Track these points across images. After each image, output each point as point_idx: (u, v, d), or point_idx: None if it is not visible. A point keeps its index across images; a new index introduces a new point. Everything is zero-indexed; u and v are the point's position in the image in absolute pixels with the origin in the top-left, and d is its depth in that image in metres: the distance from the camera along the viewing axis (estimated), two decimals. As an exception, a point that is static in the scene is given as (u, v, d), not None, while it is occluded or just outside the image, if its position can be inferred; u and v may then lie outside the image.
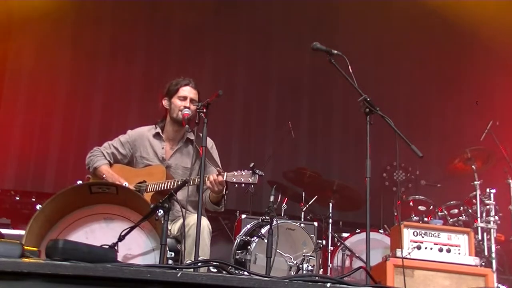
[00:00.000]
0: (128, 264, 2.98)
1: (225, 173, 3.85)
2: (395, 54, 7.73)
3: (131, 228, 3.23)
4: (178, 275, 2.31)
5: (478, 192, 5.35)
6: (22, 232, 3.17)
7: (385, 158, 6.51)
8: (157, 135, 4.36)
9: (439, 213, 5.64)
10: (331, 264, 5.63)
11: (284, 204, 5.58)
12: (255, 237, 4.76)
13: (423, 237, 4.41)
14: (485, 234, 5.25)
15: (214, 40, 7.69)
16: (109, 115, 7.20)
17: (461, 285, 4.21)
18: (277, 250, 4.20)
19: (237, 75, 7.72)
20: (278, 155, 7.11)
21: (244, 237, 4.92)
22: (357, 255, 5.54)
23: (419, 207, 5.76)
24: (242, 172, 3.80)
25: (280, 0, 7.77)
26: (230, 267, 2.97)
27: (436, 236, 4.42)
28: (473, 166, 5.53)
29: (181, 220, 3.69)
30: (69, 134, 7.10)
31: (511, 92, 7.18)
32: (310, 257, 4.49)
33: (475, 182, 5.41)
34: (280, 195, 5.65)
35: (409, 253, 4.31)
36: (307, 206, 5.82)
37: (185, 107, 4.17)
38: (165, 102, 4.33)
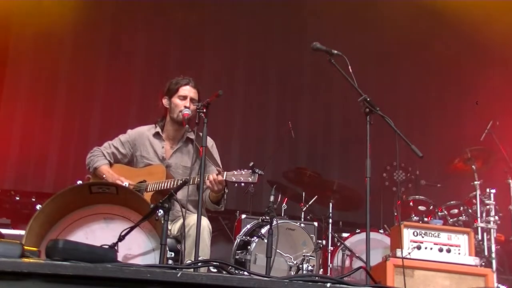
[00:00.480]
0: (128, 264, 2.98)
1: (225, 172, 3.85)
2: (395, 54, 7.73)
3: (131, 228, 3.23)
4: (178, 275, 2.31)
5: (478, 192, 5.35)
6: (22, 232, 3.17)
7: (385, 158, 6.50)
8: (157, 135, 4.36)
9: (439, 213, 5.63)
10: (331, 264, 5.63)
11: (284, 204, 5.58)
12: (255, 237, 4.76)
13: (423, 237, 4.41)
14: (485, 234, 5.25)
15: (214, 40, 7.69)
16: (109, 115, 7.20)
17: (461, 285, 4.22)
18: (277, 250, 4.20)
19: (237, 75, 7.72)
20: (278, 155, 7.11)
21: (244, 237, 4.92)
22: (357, 255, 5.54)
23: (419, 207, 5.76)
24: (242, 171, 3.80)
25: (280, 0, 7.77)
26: (230, 267, 2.97)
27: (436, 236, 4.42)
28: (473, 166, 5.53)
29: (181, 220, 3.69)
30: (69, 134, 7.10)
31: (511, 92, 7.18)
32: (310, 257, 4.49)
33: (475, 182, 5.40)
34: (280, 195, 5.65)
35: (409, 253, 4.31)
36: (307, 206, 5.82)
37: (185, 106, 4.17)
38: (165, 101, 4.33)
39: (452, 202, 5.71)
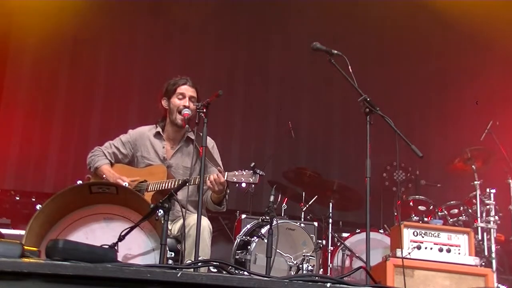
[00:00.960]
0: (128, 264, 2.98)
1: (226, 172, 3.85)
2: (395, 54, 7.73)
3: (131, 228, 3.22)
4: (178, 275, 2.31)
5: (478, 192, 5.35)
6: (22, 232, 3.16)
7: (385, 158, 6.50)
8: (157, 135, 4.36)
9: (439, 213, 5.63)
10: (331, 264, 5.63)
11: (284, 204, 5.58)
12: (255, 237, 4.76)
13: (423, 237, 4.42)
14: (485, 234, 5.25)
15: (214, 39, 7.69)
16: (109, 115, 7.20)
17: (461, 285, 4.22)
18: (277, 250, 4.20)
19: (237, 75, 7.72)
20: (278, 155, 7.11)
21: (244, 237, 4.92)
22: (357, 255, 5.54)
23: (419, 207, 5.76)
24: (243, 171, 3.80)
25: (280, 0, 7.77)
26: (230, 267, 2.97)
27: (436, 236, 4.42)
28: (473, 166, 5.53)
29: (181, 220, 3.68)
30: (69, 134, 7.10)
31: (511, 92, 7.18)
32: (310, 257, 4.49)
33: (475, 182, 5.41)
34: (280, 195, 5.65)
35: (409, 253, 4.31)
36: (307, 206, 5.82)
37: (184, 106, 4.17)
38: (164, 102, 4.33)
39: (452, 202, 5.71)
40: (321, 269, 5.43)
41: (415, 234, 4.42)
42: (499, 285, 4.57)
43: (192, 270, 3.02)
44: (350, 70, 3.52)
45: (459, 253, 4.40)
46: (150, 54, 7.50)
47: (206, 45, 7.69)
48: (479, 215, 5.29)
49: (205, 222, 3.83)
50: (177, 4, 7.45)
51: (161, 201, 3.23)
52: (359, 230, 5.90)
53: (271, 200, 4.06)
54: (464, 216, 5.59)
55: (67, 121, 7.12)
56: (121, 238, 3.17)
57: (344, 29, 7.59)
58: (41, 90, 7.08)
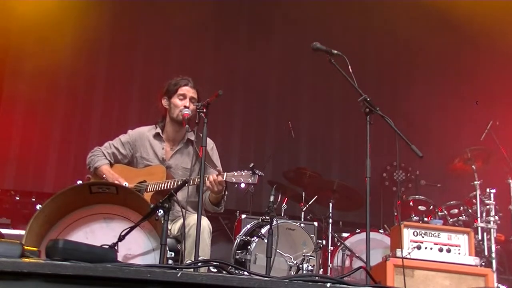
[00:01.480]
0: (128, 264, 2.98)
1: (225, 173, 3.84)
2: (395, 54, 7.73)
3: (131, 228, 3.22)
4: (178, 275, 2.31)
5: (478, 192, 5.35)
6: (22, 232, 3.16)
7: (385, 158, 6.51)
8: (157, 136, 4.36)
9: (439, 213, 5.63)
10: (331, 264, 5.63)
11: (284, 204, 5.58)
12: (255, 237, 4.76)
13: (423, 237, 4.42)
14: (485, 234, 5.25)
15: (214, 39, 7.69)
16: (109, 115, 7.20)
17: (461, 285, 4.22)
18: (277, 250, 4.20)
19: (237, 74, 7.72)
20: (278, 155, 7.11)
21: (244, 237, 4.92)
22: (357, 255, 5.54)
23: (419, 207, 5.76)
24: (242, 172, 3.80)
25: (280, 0, 7.77)
26: (230, 267, 2.97)
27: (436, 236, 4.42)
28: (473, 166, 5.53)
29: (181, 220, 3.68)
30: (69, 134, 7.10)
31: (511, 92, 7.18)
32: (310, 257, 4.49)
33: (475, 182, 5.41)
34: (280, 195, 5.65)
35: (409, 253, 4.31)
36: (307, 206, 5.82)
37: (185, 106, 4.17)
38: (164, 102, 4.33)
39: (452, 202, 5.71)
40: (321, 269, 5.43)
41: (415, 234, 4.42)
42: (499, 285, 4.57)
43: (192, 270, 3.02)
44: (350, 70, 3.52)
45: (459, 253, 4.40)
46: (150, 54, 7.50)
47: (206, 45, 7.69)
48: (479, 215, 5.29)
49: (205, 222, 3.83)
50: (177, 4, 7.45)
51: (161, 201, 3.23)
52: (359, 230, 5.90)
53: (271, 200, 4.06)
54: (464, 216, 5.58)
55: (67, 121, 7.12)
56: (121, 238, 3.17)
57: (344, 29, 7.59)
58: (41, 90, 7.07)
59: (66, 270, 2.23)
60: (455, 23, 7.37)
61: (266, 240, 4.09)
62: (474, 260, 4.38)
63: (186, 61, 7.37)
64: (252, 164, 3.73)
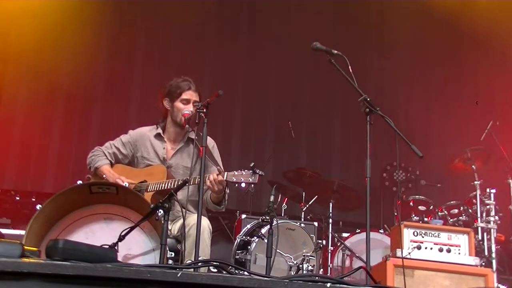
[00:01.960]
0: (128, 264, 2.98)
1: (225, 172, 3.85)
2: (395, 54, 7.73)
3: (131, 228, 3.22)
4: (178, 275, 2.31)
5: (478, 192, 5.35)
6: (22, 232, 3.16)
7: (385, 158, 6.51)
8: (158, 136, 4.37)
9: (439, 213, 5.63)
10: (331, 264, 5.63)
11: (284, 204, 5.58)
12: (255, 237, 4.75)
13: (423, 237, 4.42)
14: (485, 234, 5.25)
15: (214, 40, 7.69)
16: (109, 115, 7.20)
17: (461, 285, 4.22)
18: (277, 250, 4.20)
19: (237, 75, 7.72)
20: (278, 155, 7.11)
21: (244, 237, 4.92)
22: (357, 255, 5.54)
23: (419, 207, 5.76)
24: (242, 171, 3.80)
25: (280, 0, 7.77)
26: (230, 267, 2.97)
27: (436, 236, 4.42)
28: (473, 166, 5.53)
29: (181, 220, 3.69)
30: (69, 134, 7.10)
31: (511, 92, 7.18)
32: (310, 257, 4.49)
33: (475, 182, 5.41)
34: (280, 195, 5.65)
35: (409, 253, 4.31)
36: (307, 206, 5.82)
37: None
38: (165, 103, 4.33)
39: (452, 202, 5.71)
40: (321, 269, 5.43)
41: (415, 234, 4.42)
42: (499, 285, 4.57)
43: (192, 270, 3.02)
44: (350, 70, 3.52)
45: (459, 253, 4.40)
46: (150, 54, 7.50)
47: (206, 45, 7.69)
48: (479, 215, 5.29)
49: (205, 222, 3.84)
50: (177, 4, 7.45)
51: (161, 201, 3.23)
52: (359, 230, 5.90)
53: (271, 200, 4.06)
54: (464, 216, 5.59)
55: (67, 121, 7.11)
56: (121, 238, 3.17)
57: (344, 29, 7.59)
58: (41, 91, 7.06)
59: (66, 270, 2.23)
60: (456, 24, 7.39)
61: (266, 240, 4.09)
62: (474, 260, 4.38)
63: (186, 61, 7.36)
64: (252, 164, 3.73)
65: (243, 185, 3.83)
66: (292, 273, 4.53)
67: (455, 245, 4.42)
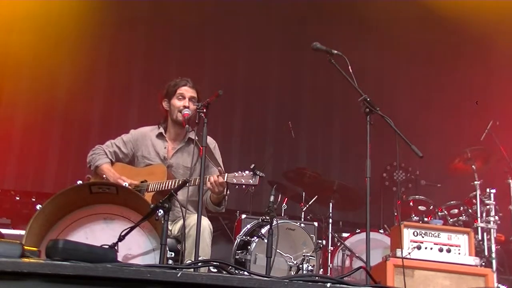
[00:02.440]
0: (128, 264, 2.98)
1: (226, 174, 3.85)
2: (395, 54, 7.73)
3: (131, 228, 3.22)
4: (178, 275, 2.31)
5: (478, 192, 5.35)
6: (22, 232, 3.16)
7: (385, 158, 6.51)
8: (160, 135, 4.38)
9: (439, 213, 5.63)
10: (331, 264, 5.63)
11: (284, 204, 5.58)
12: (255, 237, 4.76)
13: (423, 237, 4.41)
14: (485, 234, 5.25)
15: (214, 40, 7.69)
16: (109, 115, 7.20)
17: (461, 285, 4.22)
18: (277, 250, 4.20)
19: (237, 75, 7.72)
20: (278, 155, 7.11)
21: (244, 237, 4.92)
22: (357, 255, 5.54)
23: (419, 207, 5.76)
24: (243, 173, 3.80)
25: (280, 0, 7.77)
26: (230, 267, 2.96)
27: (436, 236, 4.42)
28: (473, 166, 5.53)
29: (181, 221, 3.69)
30: (69, 134, 7.10)
31: (511, 92, 7.18)
32: (310, 257, 4.49)
33: (475, 182, 5.41)
34: (280, 195, 5.65)
35: (409, 253, 4.31)
36: (307, 206, 5.82)
37: (185, 106, 4.18)
38: (164, 104, 4.35)
39: (452, 202, 5.71)
40: (321, 269, 5.43)
41: (415, 234, 4.42)
42: (499, 285, 4.57)
43: (192, 270, 3.02)
44: (350, 70, 3.52)
45: (459, 253, 4.40)
46: (150, 54, 7.50)
47: (206, 45, 7.69)
48: (479, 215, 5.30)
49: (206, 222, 3.84)
50: (177, 4, 7.45)
51: (161, 201, 3.23)
52: (359, 230, 5.90)
53: (271, 200, 4.06)
54: (464, 216, 5.58)
55: (67, 121, 7.11)
56: (121, 238, 3.16)
57: (344, 29, 7.59)
58: (41, 90, 7.06)
59: (66, 270, 2.23)
60: (456, 24, 7.38)
61: (266, 240, 4.09)
62: (474, 260, 4.38)
63: (186, 61, 7.37)
64: (253, 165, 3.73)
65: (243, 186, 3.83)
66: (292, 273, 4.53)
67: (455, 245, 4.42)
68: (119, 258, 3.09)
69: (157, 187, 4.05)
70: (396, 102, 7.37)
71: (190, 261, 3.44)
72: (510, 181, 5.54)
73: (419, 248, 4.36)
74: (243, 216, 5.48)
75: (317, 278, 2.67)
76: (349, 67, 3.51)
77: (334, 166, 7.68)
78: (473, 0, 7.24)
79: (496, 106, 7.17)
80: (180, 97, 4.26)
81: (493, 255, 5.06)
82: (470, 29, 7.28)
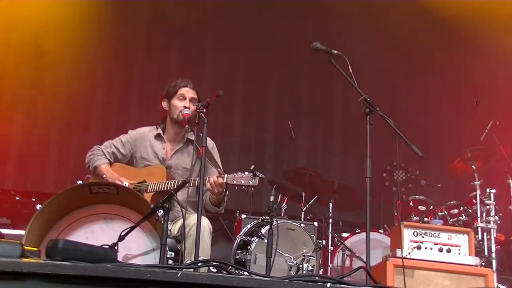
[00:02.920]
0: (128, 264, 2.98)
1: (225, 175, 3.85)
2: (395, 54, 7.73)
3: (131, 228, 3.22)
4: (178, 275, 2.31)
5: (478, 192, 5.35)
6: (22, 232, 3.16)
7: (385, 158, 6.50)
8: (158, 136, 4.37)
9: (439, 213, 5.63)
10: (331, 264, 5.63)
11: (284, 204, 5.58)
12: (255, 237, 4.76)
13: (423, 237, 4.41)
14: (485, 234, 5.25)
15: (214, 40, 7.69)
16: (109, 115, 7.20)
17: (461, 285, 4.22)
18: (277, 250, 4.20)
19: (237, 75, 7.72)
20: (278, 155, 7.11)
21: (244, 237, 4.92)
22: (357, 255, 5.54)
23: (419, 207, 5.76)
24: (243, 174, 3.81)
25: (280, 0, 7.77)
26: (230, 267, 2.96)
27: (436, 236, 4.42)
28: (473, 166, 5.53)
29: (181, 220, 3.69)
30: (69, 134, 7.10)
31: (511, 92, 7.18)
32: (310, 257, 4.49)
33: (475, 182, 5.41)
34: (280, 195, 5.65)
35: (409, 253, 4.31)
36: (307, 206, 5.82)
37: (185, 107, 4.18)
38: (164, 104, 4.34)
39: (452, 202, 5.71)
40: (321, 269, 5.43)
41: (415, 234, 4.42)
42: (499, 285, 4.57)
43: (192, 270, 3.02)
44: (350, 70, 3.52)
45: (459, 253, 4.40)
46: (150, 54, 7.50)
47: (206, 45, 7.69)
48: (479, 215, 5.29)
49: (205, 222, 3.84)
50: (177, 4, 7.45)
51: (161, 201, 3.23)
52: (359, 230, 5.90)
53: (271, 200, 4.06)
54: (464, 216, 5.58)
55: (67, 121, 7.11)
56: (121, 238, 3.16)
57: (344, 29, 7.59)
58: (41, 90, 7.06)
59: (66, 270, 2.23)
60: (455, 24, 7.38)
61: (266, 240, 4.09)
62: (474, 260, 4.38)
63: (186, 61, 7.37)
64: (253, 166, 3.74)
65: (243, 187, 3.83)
66: (292, 273, 4.53)
67: (455, 245, 4.42)
68: (119, 258, 3.09)
69: (156, 188, 4.05)
70: (396, 102, 7.37)
71: (190, 261, 3.44)
72: (510, 181, 5.54)
73: (419, 248, 4.36)
74: (243, 216, 5.48)
75: (317, 278, 2.67)
76: (349, 67, 3.51)
77: (334, 166, 7.68)
78: (474, 0, 7.24)
79: (496, 106, 7.17)
80: (181, 97, 4.26)
81: (493, 255, 5.06)
82: (470, 29, 7.28)
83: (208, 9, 7.57)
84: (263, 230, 4.70)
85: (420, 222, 5.51)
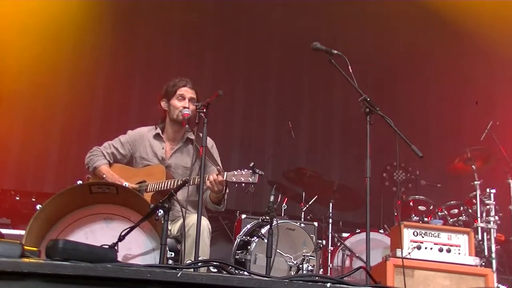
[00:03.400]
0: (128, 264, 2.98)
1: (225, 172, 3.85)
2: (395, 54, 7.73)
3: (131, 228, 3.23)
4: (178, 275, 2.31)
5: (478, 192, 5.35)
6: (22, 232, 3.17)
7: (385, 158, 6.51)
8: (157, 136, 4.37)
9: (439, 213, 5.63)
10: (331, 264, 5.63)
11: (284, 204, 5.57)
12: (255, 237, 4.75)
13: (423, 237, 4.42)
14: (485, 234, 5.25)
15: (214, 40, 7.69)
16: (109, 115, 7.20)
17: (461, 285, 4.22)
18: (277, 250, 4.20)
19: (237, 75, 7.72)
20: (278, 155, 7.10)
21: (244, 237, 4.92)
22: (357, 255, 5.54)
23: (419, 207, 5.76)
24: (242, 171, 3.80)
25: (280, 0, 7.77)
26: (230, 267, 2.96)
27: (436, 236, 4.42)
28: (473, 166, 5.53)
29: (181, 220, 3.69)
30: (69, 134, 7.10)
31: (511, 92, 7.18)
32: (310, 257, 4.49)
33: (475, 182, 5.41)
34: (280, 195, 5.65)
35: (409, 253, 4.31)
36: (307, 206, 5.82)
37: (184, 107, 4.18)
38: (163, 104, 4.34)
39: (452, 202, 5.71)
40: (321, 269, 5.42)
41: (415, 234, 4.42)
42: (499, 285, 4.57)
43: (192, 270, 3.02)
44: (350, 70, 3.52)
45: (459, 253, 4.40)
46: (150, 54, 7.50)
47: (206, 45, 7.69)
48: (479, 215, 5.29)
49: (205, 222, 3.84)
50: (177, 4, 7.45)
51: (161, 201, 3.23)
52: (359, 230, 5.89)
53: (271, 200, 4.06)
54: (464, 216, 5.58)
55: (67, 121, 7.11)
56: (121, 238, 3.17)
57: (344, 29, 7.59)
58: (41, 90, 7.06)
59: (66, 270, 2.23)
60: (455, 24, 7.38)
61: (266, 240, 4.09)
62: (474, 260, 4.38)
63: (186, 61, 7.37)
64: (252, 163, 3.73)
65: (243, 185, 3.83)
66: (292, 273, 4.53)
67: (455, 245, 4.42)
68: (119, 258, 3.09)
69: (156, 187, 4.05)
70: (396, 102, 7.37)
71: (190, 261, 3.44)
72: (510, 181, 5.54)
73: (419, 248, 4.36)
74: (243, 216, 5.48)
75: (317, 278, 2.67)
76: (349, 67, 3.51)
77: (334, 166, 7.68)
78: (475, 0, 7.25)
79: (496, 106, 7.18)
80: (180, 97, 4.26)
81: (493, 255, 5.05)
82: (470, 29, 7.28)
83: (208, 9, 7.57)
84: (263, 230, 4.70)
85: (420, 222, 5.50)
